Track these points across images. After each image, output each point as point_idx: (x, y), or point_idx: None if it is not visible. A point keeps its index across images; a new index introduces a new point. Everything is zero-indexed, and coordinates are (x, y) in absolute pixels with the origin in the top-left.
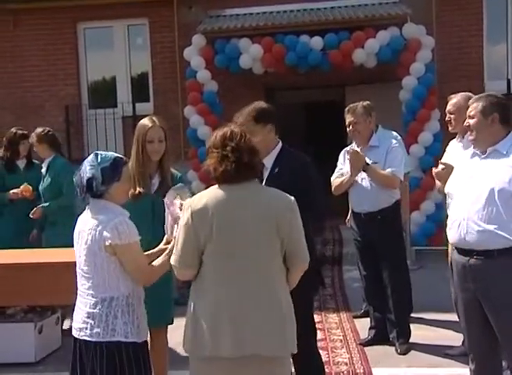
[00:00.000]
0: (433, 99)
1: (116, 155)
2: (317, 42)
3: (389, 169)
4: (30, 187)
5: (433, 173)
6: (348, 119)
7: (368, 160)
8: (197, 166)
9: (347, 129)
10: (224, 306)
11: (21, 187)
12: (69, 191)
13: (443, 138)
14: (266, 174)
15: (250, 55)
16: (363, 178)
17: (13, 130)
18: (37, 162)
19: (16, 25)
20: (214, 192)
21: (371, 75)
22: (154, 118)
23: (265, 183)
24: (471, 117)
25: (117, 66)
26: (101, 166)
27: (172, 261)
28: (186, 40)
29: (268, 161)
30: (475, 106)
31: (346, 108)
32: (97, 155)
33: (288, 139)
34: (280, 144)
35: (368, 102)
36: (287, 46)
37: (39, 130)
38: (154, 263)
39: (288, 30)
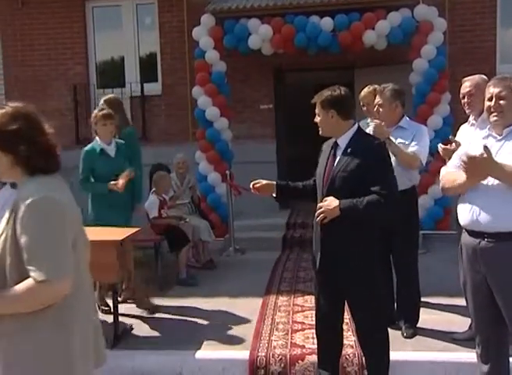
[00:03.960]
0: (444, 82)
1: None
2: (327, 23)
3: (411, 148)
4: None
5: (440, 150)
6: (376, 99)
7: (392, 138)
8: (204, 147)
9: (371, 111)
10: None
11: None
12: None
13: (453, 122)
14: (340, 153)
15: (260, 35)
16: None
17: None
18: None
19: (25, 3)
20: (54, 183)
21: (381, 57)
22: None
23: (339, 162)
24: (502, 98)
25: (125, 45)
26: None
27: (48, 273)
28: (195, 20)
29: (343, 141)
30: (507, 86)
31: (377, 89)
32: None
33: (296, 120)
34: (356, 126)
35: (397, 87)
36: (297, 27)
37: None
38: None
39: (298, 11)
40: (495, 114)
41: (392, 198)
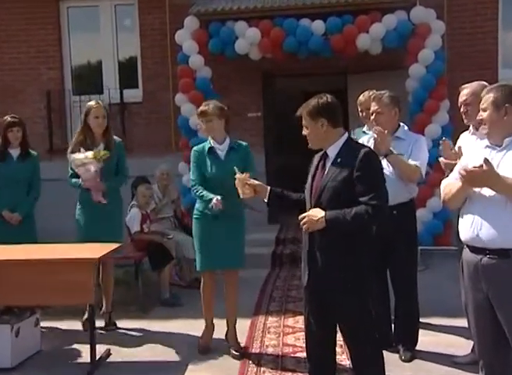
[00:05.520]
0: (442, 89)
1: None
2: (318, 26)
3: (413, 162)
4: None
5: (442, 164)
6: (373, 107)
7: (392, 149)
8: (188, 157)
9: (370, 117)
10: None
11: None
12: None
13: (453, 131)
14: (329, 164)
15: (247, 39)
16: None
17: (6, 117)
18: (33, 152)
19: None
20: None
21: (375, 62)
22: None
23: (328, 172)
24: (484, 110)
25: (103, 49)
26: None
27: None
28: (178, 22)
29: (332, 151)
30: (487, 98)
31: (372, 96)
32: None
33: (286, 128)
34: (346, 135)
35: (393, 93)
36: (286, 30)
37: (215, 103)
38: None
39: (287, 13)
40: (483, 126)
41: (383, 209)
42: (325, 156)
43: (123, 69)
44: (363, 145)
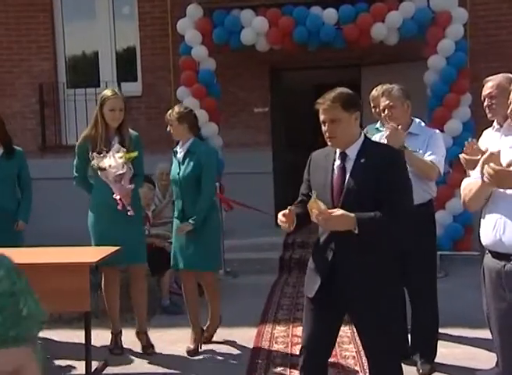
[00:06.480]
0: (464, 82)
1: None
2: (330, 15)
3: (428, 157)
4: None
5: (462, 160)
6: (383, 102)
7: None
8: None
9: (382, 114)
10: None
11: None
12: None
13: (474, 127)
14: (351, 164)
15: (254, 29)
16: None
17: None
18: (18, 148)
19: None
20: None
21: (392, 53)
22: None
23: (351, 174)
24: None
25: (100, 38)
26: None
27: None
28: (180, 10)
29: (352, 151)
30: None
31: (381, 91)
32: None
33: (296, 124)
34: (363, 134)
35: (403, 87)
36: (296, 19)
37: (179, 108)
38: None
39: (297, 1)
40: (509, 120)
41: (405, 219)
42: (343, 156)
43: (121, 61)
44: (383, 144)
